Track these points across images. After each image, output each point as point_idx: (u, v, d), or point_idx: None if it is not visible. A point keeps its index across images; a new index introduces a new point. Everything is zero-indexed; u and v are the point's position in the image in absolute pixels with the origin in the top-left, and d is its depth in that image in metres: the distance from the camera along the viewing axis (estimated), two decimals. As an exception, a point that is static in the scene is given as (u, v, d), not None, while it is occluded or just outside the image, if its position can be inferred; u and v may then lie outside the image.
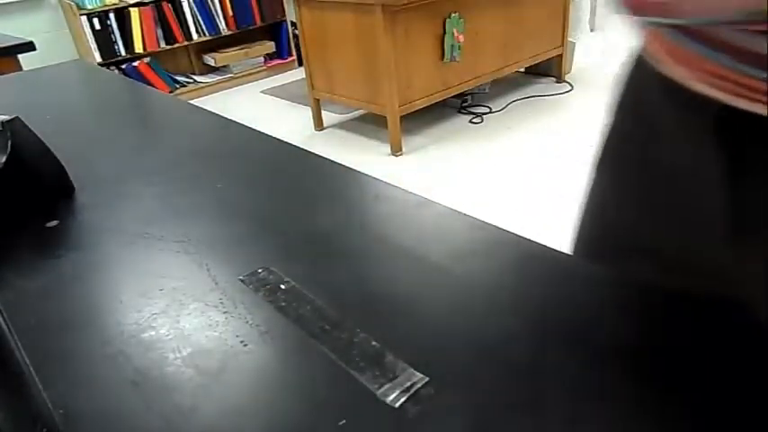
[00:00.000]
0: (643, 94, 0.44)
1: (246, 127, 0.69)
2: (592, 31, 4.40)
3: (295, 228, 0.48)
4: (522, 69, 3.39)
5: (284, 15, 4.48)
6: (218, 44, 4.32)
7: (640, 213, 0.45)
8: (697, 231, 0.41)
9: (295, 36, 4.22)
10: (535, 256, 0.41)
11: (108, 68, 3.61)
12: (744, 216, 0.37)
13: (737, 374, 0.30)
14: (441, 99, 2.88)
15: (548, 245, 0.41)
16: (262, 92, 4.14)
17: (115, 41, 3.85)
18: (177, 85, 4.20)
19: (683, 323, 0.34)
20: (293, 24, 4.28)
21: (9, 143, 0.48)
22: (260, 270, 0.41)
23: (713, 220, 0.38)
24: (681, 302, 0.35)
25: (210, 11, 4.15)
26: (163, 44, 4.04)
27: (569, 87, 3.33)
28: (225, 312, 0.37)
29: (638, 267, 0.43)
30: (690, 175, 0.40)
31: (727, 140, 0.36)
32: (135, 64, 3.98)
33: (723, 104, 0.33)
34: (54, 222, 0.50)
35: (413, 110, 2.77)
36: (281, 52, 4.57)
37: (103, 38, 3.79)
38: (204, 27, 4.16)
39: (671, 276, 0.39)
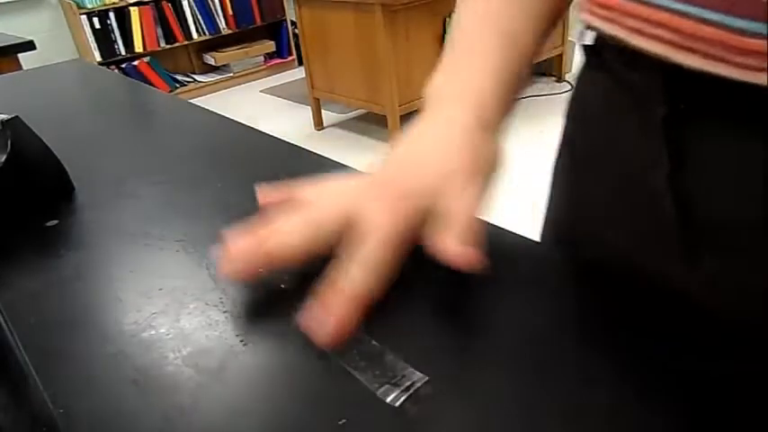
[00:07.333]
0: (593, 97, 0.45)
1: (246, 126, 0.69)
2: (592, 30, 4.40)
3: (295, 227, 0.48)
4: (522, 69, 3.38)
5: (284, 14, 4.48)
6: (218, 43, 4.32)
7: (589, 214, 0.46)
8: (649, 239, 0.40)
9: (295, 35, 4.23)
10: (534, 255, 0.41)
11: (108, 68, 3.61)
12: (691, 219, 0.36)
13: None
14: (441, 98, 2.88)
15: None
16: (261, 91, 4.14)
17: (115, 40, 3.85)
18: (177, 85, 4.20)
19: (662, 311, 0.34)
20: (293, 24, 4.28)
21: (9, 143, 0.48)
22: (260, 269, 0.41)
23: (665, 228, 0.38)
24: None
25: (210, 10, 4.16)
26: (163, 43, 4.05)
27: (569, 87, 3.33)
28: (225, 312, 0.37)
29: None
30: (639, 180, 0.40)
31: (672, 136, 0.36)
32: (135, 63, 3.98)
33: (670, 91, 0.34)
34: (54, 222, 0.50)
35: (413, 109, 2.77)
36: (280, 51, 4.58)
37: (103, 37, 3.79)
38: (204, 26, 4.16)
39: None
